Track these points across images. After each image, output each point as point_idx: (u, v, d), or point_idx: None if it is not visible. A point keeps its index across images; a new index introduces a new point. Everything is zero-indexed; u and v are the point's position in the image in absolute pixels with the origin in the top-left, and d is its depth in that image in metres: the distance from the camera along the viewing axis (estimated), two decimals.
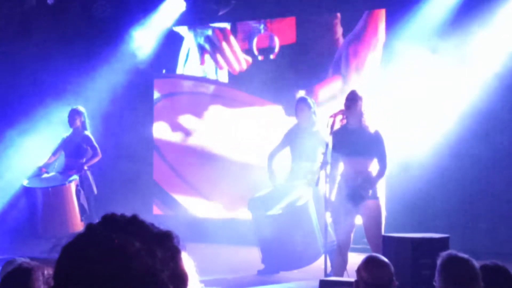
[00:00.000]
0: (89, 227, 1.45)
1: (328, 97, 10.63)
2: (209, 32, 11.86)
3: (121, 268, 1.37)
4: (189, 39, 12.05)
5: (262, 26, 11.46)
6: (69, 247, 1.42)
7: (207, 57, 11.90)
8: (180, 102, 12.16)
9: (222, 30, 11.77)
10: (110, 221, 1.45)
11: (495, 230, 9.49)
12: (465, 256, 3.52)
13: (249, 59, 11.52)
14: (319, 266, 7.56)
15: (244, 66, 11.56)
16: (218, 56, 11.76)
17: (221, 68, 11.76)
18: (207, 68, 11.94)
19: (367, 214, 7.07)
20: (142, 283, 1.38)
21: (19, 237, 10.20)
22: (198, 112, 11.95)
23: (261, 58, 11.42)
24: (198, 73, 12.01)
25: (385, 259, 4.10)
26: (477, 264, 3.50)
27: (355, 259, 7.20)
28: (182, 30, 12.10)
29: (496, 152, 9.59)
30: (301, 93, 10.42)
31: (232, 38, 11.66)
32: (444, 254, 3.56)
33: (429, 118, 9.68)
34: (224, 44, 11.70)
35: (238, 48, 11.62)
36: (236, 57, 11.62)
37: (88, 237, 1.43)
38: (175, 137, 12.13)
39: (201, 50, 11.95)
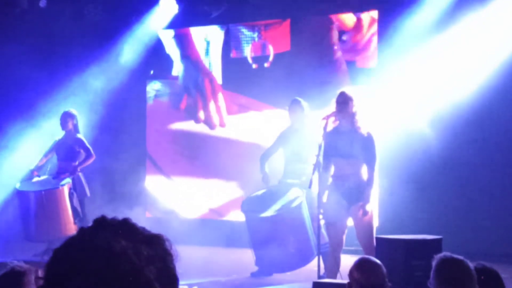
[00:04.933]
0: (80, 230, 1.48)
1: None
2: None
3: (106, 265, 1.39)
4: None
5: (256, 34, 11.46)
6: (58, 249, 1.45)
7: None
8: (174, 103, 12.13)
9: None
10: (100, 223, 1.47)
11: (489, 231, 9.51)
12: (460, 257, 3.53)
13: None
14: (313, 268, 7.56)
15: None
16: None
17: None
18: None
19: (359, 216, 7.07)
20: (127, 280, 1.39)
21: (12, 241, 10.17)
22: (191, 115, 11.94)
23: (255, 67, 11.42)
24: None
25: (377, 261, 4.11)
26: (472, 265, 3.50)
27: (348, 261, 7.20)
28: (171, 45, 12.07)
29: (490, 153, 9.60)
30: None
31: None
32: (438, 255, 3.56)
33: (422, 118, 9.69)
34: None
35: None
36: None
37: (76, 238, 1.46)
38: (167, 140, 12.11)
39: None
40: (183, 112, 11.96)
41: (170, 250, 1.48)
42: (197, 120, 11.80)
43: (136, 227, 1.47)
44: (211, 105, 11.69)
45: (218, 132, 11.66)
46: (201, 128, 11.82)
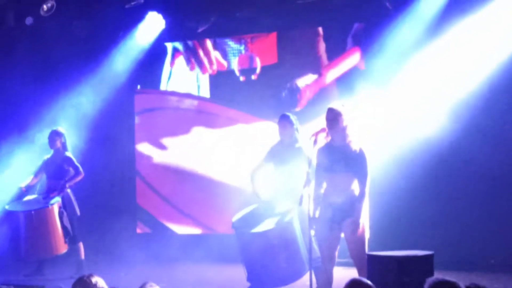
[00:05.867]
0: None
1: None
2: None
3: None
4: (169, 47, 12.08)
5: (243, 47, 11.47)
6: None
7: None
8: (162, 117, 12.12)
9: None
10: None
11: (481, 243, 9.52)
12: (452, 280, 3.52)
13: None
14: (305, 282, 7.54)
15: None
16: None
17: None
18: (190, 86, 11.93)
19: (350, 232, 7.06)
20: None
21: (2, 261, 10.11)
22: (180, 128, 11.92)
23: (243, 79, 11.44)
24: (181, 90, 11.99)
25: (369, 282, 4.09)
26: (463, 286, 3.50)
27: (340, 273, 7.21)
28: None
29: (484, 165, 9.60)
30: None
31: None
32: (431, 279, 3.56)
33: (413, 131, 9.70)
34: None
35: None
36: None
37: None
38: (156, 154, 12.08)
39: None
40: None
41: None
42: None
43: None
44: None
45: (207, 146, 11.65)
46: (190, 142, 11.80)
